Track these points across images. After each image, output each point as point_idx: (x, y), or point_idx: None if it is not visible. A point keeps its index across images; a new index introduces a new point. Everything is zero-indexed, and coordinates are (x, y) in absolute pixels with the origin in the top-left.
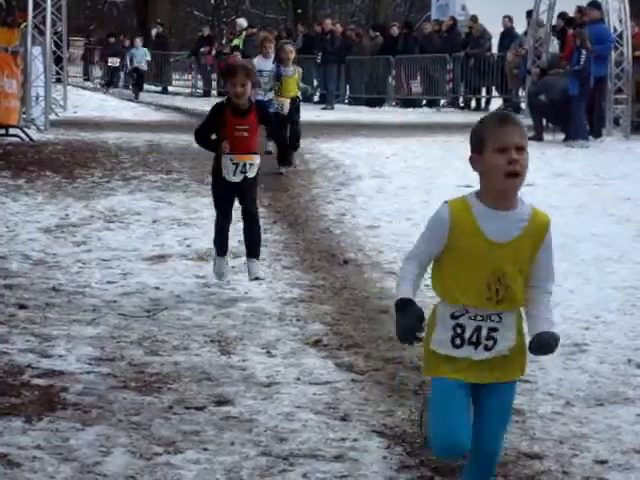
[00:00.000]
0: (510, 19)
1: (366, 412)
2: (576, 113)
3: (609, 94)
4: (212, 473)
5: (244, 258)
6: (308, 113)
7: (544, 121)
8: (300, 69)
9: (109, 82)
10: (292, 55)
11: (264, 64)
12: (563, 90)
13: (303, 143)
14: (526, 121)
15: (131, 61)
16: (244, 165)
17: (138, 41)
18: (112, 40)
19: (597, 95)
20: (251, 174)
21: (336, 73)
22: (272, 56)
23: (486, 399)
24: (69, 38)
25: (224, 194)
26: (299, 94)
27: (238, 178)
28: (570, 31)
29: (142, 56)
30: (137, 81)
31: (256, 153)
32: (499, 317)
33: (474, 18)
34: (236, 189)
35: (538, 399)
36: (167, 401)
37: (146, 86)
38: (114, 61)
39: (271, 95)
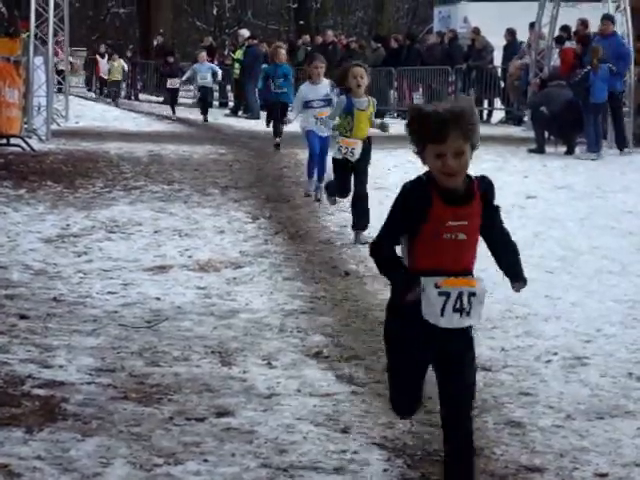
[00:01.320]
0: (513, 32)
1: (367, 424)
2: (586, 126)
3: (630, 110)
4: None
5: (246, 268)
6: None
7: (546, 133)
8: (374, 100)
9: (172, 107)
10: (364, 81)
11: (313, 91)
12: (564, 102)
13: (303, 153)
14: (528, 133)
15: (193, 79)
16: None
17: (203, 55)
18: (171, 59)
19: (618, 109)
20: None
21: None
22: (323, 81)
23: None
24: (71, 48)
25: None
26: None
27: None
28: (568, 45)
29: (207, 71)
30: (202, 101)
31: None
32: None
33: (476, 30)
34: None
35: (539, 412)
36: (167, 412)
37: (147, 96)
38: (174, 82)
39: (328, 132)
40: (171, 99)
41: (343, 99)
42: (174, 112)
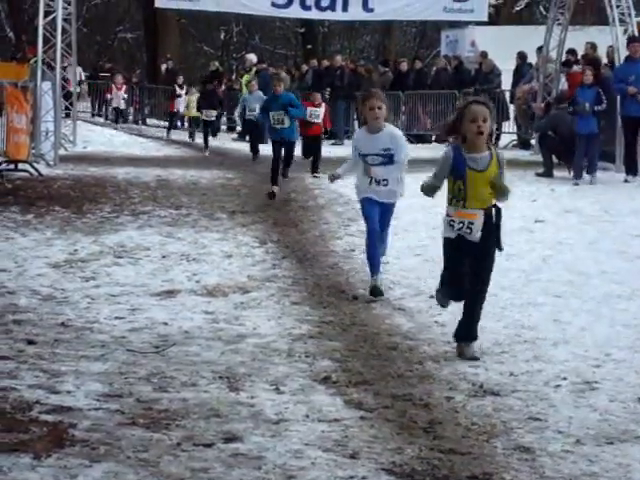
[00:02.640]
0: (523, 55)
1: (375, 450)
2: (595, 151)
3: (620, 130)
4: None
5: (253, 293)
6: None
7: (554, 157)
8: (500, 153)
9: (205, 141)
10: (487, 126)
11: (369, 142)
12: (572, 126)
13: (311, 178)
14: (536, 157)
15: (244, 110)
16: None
17: (254, 85)
18: (210, 87)
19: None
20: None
21: (345, 109)
22: (384, 127)
23: None
24: (85, 74)
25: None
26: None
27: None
28: (575, 68)
29: (256, 102)
30: (251, 140)
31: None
32: None
33: (484, 54)
34: None
35: (548, 437)
36: (175, 438)
37: (154, 121)
38: (210, 114)
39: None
40: (205, 133)
41: (449, 153)
42: (207, 147)
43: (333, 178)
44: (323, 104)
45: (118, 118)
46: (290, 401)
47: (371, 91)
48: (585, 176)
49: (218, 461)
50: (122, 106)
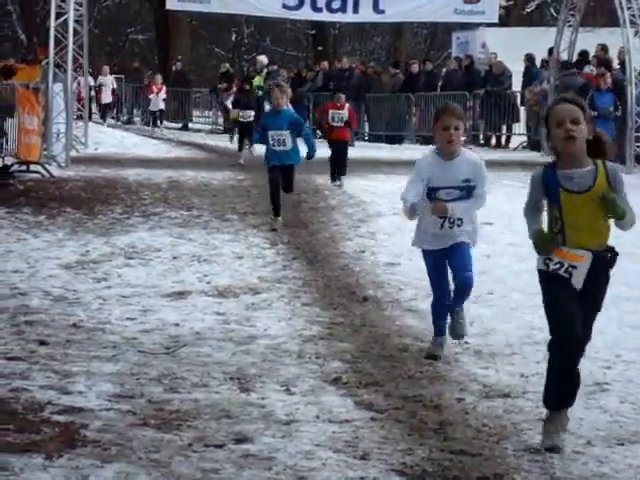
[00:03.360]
0: (531, 57)
1: (386, 451)
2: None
3: (630, 132)
4: None
5: (264, 294)
6: (328, 150)
7: None
8: (611, 166)
9: (240, 145)
10: (580, 132)
11: (442, 172)
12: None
13: (321, 179)
14: (548, 158)
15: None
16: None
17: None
18: (247, 87)
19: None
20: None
21: (355, 111)
22: (461, 153)
23: None
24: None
25: None
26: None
27: None
28: (586, 70)
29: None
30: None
31: None
32: None
33: (494, 55)
34: None
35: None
36: (187, 439)
37: (166, 122)
38: (247, 115)
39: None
40: (240, 135)
41: (539, 173)
42: (242, 149)
43: (410, 212)
44: (347, 105)
45: (156, 121)
46: (301, 402)
47: (446, 105)
48: None
49: (229, 462)
50: (160, 107)
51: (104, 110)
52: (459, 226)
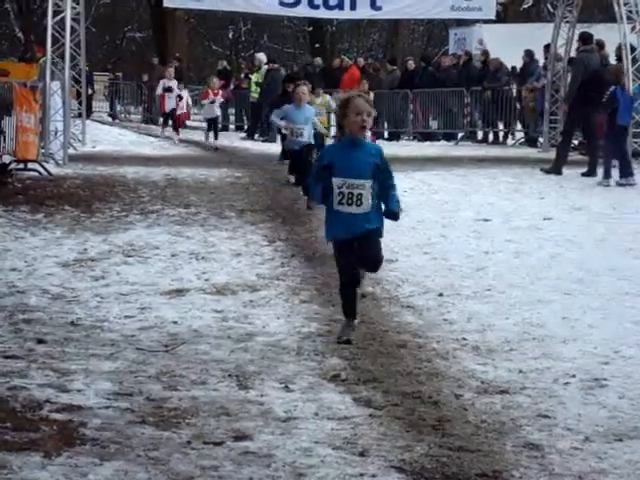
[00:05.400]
0: (531, 53)
1: (384, 447)
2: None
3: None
4: None
5: (262, 292)
6: None
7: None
8: None
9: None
10: None
11: None
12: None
13: None
14: (544, 155)
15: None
16: None
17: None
18: (290, 88)
19: None
20: None
21: None
22: None
23: None
24: (93, 74)
25: None
26: None
27: None
28: None
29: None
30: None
31: None
32: None
33: (485, 52)
34: None
35: (557, 434)
36: (185, 436)
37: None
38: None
39: None
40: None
41: None
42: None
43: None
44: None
45: (210, 131)
46: (299, 399)
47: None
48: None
49: (228, 459)
50: (216, 114)
51: (166, 119)
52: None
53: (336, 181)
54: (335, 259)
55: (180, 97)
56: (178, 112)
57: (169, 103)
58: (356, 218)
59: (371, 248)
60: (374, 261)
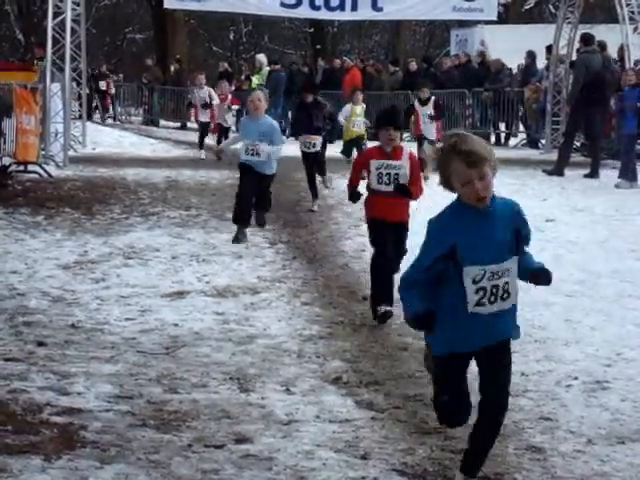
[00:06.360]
0: (532, 54)
1: (386, 450)
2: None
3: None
4: None
5: (263, 294)
6: (328, 149)
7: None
8: None
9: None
10: None
11: None
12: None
13: (319, 178)
14: (546, 156)
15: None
16: None
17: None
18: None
19: None
20: None
21: None
22: None
23: None
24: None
25: None
26: None
27: None
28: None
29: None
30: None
31: None
32: None
33: (482, 53)
34: None
35: (559, 437)
36: (186, 439)
37: (163, 122)
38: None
39: None
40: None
41: None
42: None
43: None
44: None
45: (221, 139)
46: (301, 402)
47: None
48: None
49: (229, 462)
50: (228, 124)
51: (203, 132)
52: None
53: (471, 271)
54: (438, 380)
55: (211, 105)
56: (216, 121)
57: (202, 115)
58: (500, 318)
59: (501, 369)
60: (502, 398)
